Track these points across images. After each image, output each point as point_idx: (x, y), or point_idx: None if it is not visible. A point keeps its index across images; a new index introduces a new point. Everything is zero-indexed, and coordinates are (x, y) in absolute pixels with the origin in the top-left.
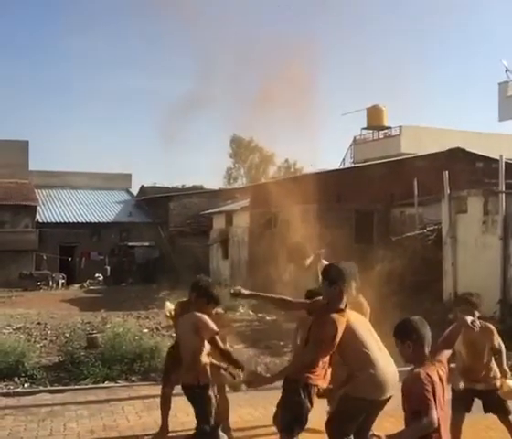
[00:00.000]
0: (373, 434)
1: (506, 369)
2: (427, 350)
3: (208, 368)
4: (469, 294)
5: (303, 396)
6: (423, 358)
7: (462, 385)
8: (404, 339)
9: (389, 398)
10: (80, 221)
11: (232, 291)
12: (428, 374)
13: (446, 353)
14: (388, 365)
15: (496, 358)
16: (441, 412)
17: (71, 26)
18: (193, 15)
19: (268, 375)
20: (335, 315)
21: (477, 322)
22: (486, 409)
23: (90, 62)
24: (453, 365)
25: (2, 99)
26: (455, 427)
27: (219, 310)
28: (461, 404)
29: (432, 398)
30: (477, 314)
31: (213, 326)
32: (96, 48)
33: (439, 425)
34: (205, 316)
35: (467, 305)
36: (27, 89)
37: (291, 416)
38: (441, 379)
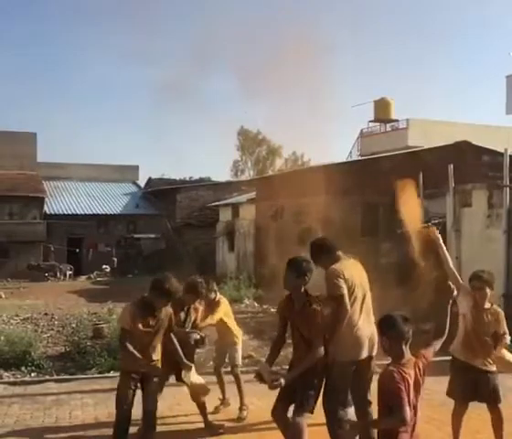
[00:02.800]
0: (347, 420)
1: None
2: (404, 347)
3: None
4: (481, 271)
5: (320, 377)
6: (399, 354)
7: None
8: (382, 334)
9: (371, 358)
10: (87, 213)
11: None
12: (401, 372)
13: (435, 344)
14: (366, 326)
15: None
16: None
17: (81, 19)
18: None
19: (287, 374)
20: (315, 306)
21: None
22: (474, 395)
23: (99, 55)
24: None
25: (11, 91)
26: (457, 416)
27: (221, 298)
28: (461, 388)
29: (404, 395)
30: (489, 291)
31: (124, 321)
32: (105, 42)
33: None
34: (126, 309)
35: (479, 282)
36: (36, 81)
37: (311, 396)
38: (419, 371)
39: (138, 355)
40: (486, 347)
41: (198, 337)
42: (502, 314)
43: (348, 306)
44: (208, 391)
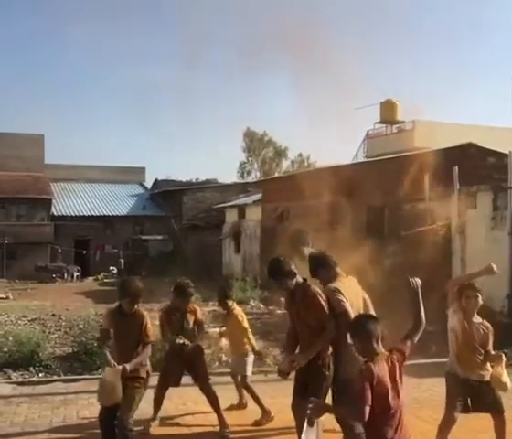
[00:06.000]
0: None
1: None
2: (375, 344)
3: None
4: (473, 281)
5: (329, 367)
6: (371, 352)
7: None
8: (353, 336)
9: None
10: (94, 215)
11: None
12: (370, 368)
13: (413, 337)
14: None
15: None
16: (391, 401)
17: (89, 20)
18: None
19: (303, 354)
20: (312, 289)
21: (418, 280)
22: (477, 407)
23: (107, 56)
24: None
25: (18, 93)
26: (446, 426)
27: (236, 308)
28: (457, 400)
29: (366, 395)
30: (480, 299)
31: (104, 323)
32: (110, 42)
33: (377, 419)
34: (105, 312)
35: (474, 290)
36: (44, 83)
37: (322, 388)
38: (392, 364)
39: (110, 358)
40: (480, 358)
41: (181, 342)
42: (492, 330)
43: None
44: (112, 401)
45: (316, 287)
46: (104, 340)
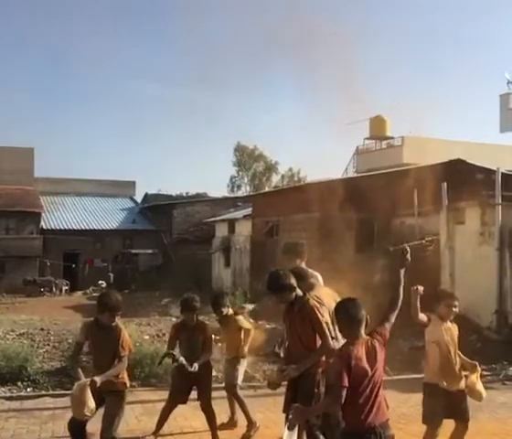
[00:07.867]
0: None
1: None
2: (357, 329)
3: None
4: (448, 289)
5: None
6: (354, 335)
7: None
8: (337, 320)
9: None
10: (84, 228)
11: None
12: (347, 352)
13: (390, 318)
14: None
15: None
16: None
17: (80, 32)
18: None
19: (295, 366)
20: (311, 302)
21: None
22: (448, 414)
23: (98, 69)
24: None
25: (8, 105)
26: None
27: (226, 309)
28: (436, 417)
29: (343, 377)
30: (457, 306)
31: (79, 336)
32: (105, 55)
33: (355, 398)
34: (83, 325)
35: (449, 298)
36: (33, 96)
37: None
38: (372, 347)
39: (80, 374)
40: (458, 365)
41: (173, 353)
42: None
43: (333, 333)
44: (83, 415)
45: (315, 302)
46: (77, 354)
